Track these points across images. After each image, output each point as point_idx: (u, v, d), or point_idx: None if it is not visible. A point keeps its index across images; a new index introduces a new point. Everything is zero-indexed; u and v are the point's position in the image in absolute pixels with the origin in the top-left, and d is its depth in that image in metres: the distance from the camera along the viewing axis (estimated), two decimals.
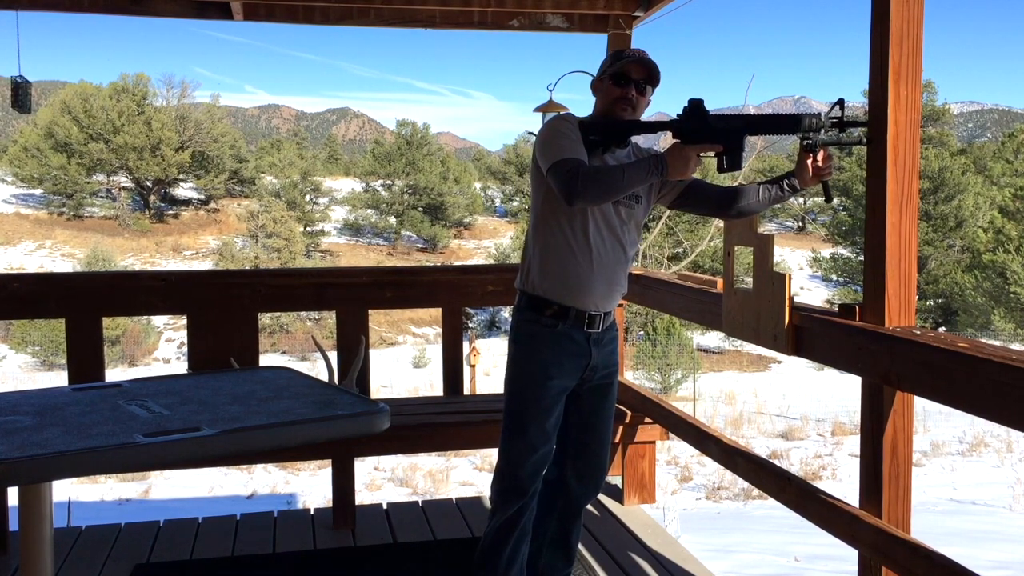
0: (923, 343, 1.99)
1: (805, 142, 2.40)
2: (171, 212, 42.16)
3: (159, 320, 27.84)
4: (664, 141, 2.69)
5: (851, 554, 2.35)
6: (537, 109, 4.84)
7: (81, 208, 39.69)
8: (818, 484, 4.55)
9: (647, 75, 2.50)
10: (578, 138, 2.41)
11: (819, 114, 2.40)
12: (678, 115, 2.46)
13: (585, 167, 2.33)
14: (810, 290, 32.94)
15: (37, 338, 24.52)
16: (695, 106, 2.44)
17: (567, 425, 2.62)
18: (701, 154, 2.41)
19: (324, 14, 3.98)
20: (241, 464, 9.05)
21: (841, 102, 2.36)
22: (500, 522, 2.58)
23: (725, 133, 2.41)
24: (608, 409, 2.67)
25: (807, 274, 34.61)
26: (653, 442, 3.83)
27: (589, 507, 3.80)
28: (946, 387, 1.95)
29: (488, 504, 2.73)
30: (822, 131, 2.35)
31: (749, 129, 2.45)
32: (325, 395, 2.03)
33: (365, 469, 11.38)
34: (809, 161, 2.41)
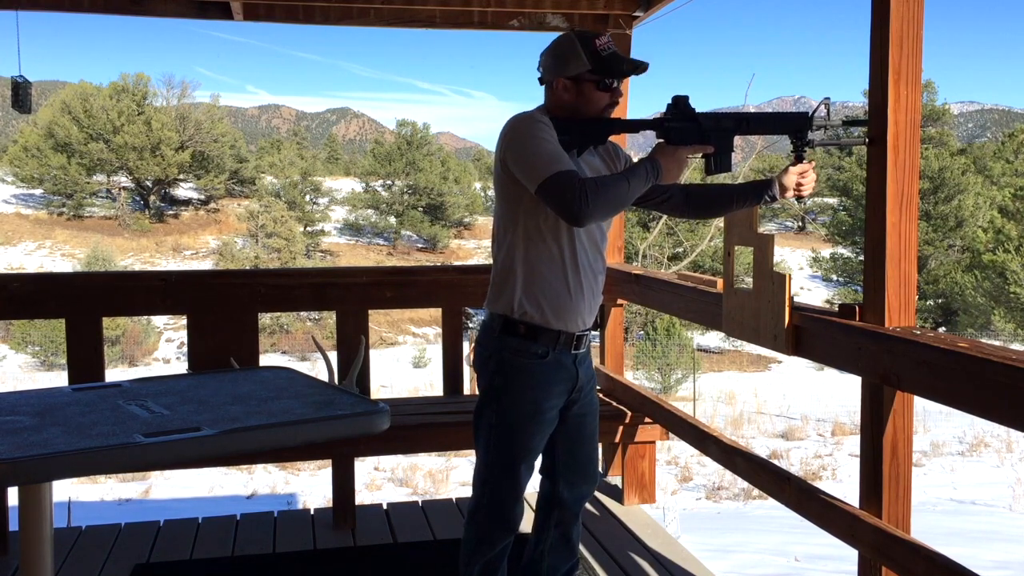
0: (923, 343, 1.99)
1: (798, 144, 2.31)
2: (171, 212, 42.14)
3: (159, 320, 27.82)
4: None
5: (851, 554, 2.35)
6: None
7: (81, 208, 39.66)
8: (818, 484, 4.55)
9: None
10: (557, 141, 2.21)
11: (807, 114, 2.31)
12: (663, 113, 2.33)
13: (587, 183, 2.13)
14: (810, 290, 32.91)
15: (37, 338, 24.49)
16: (681, 103, 2.31)
17: (553, 442, 2.46)
18: (690, 156, 2.30)
19: (324, 14, 3.98)
20: (241, 464, 9.03)
21: (827, 101, 2.28)
22: (490, 557, 2.43)
23: (715, 133, 2.30)
24: (594, 417, 2.54)
25: (807, 274, 34.58)
26: (653, 442, 3.83)
27: (589, 507, 3.80)
28: (946, 387, 1.95)
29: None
30: (820, 131, 2.29)
31: (740, 129, 2.34)
32: (325, 395, 2.03)
33: (365, 469, 11.37)
34: (796, 175, 2.34)
